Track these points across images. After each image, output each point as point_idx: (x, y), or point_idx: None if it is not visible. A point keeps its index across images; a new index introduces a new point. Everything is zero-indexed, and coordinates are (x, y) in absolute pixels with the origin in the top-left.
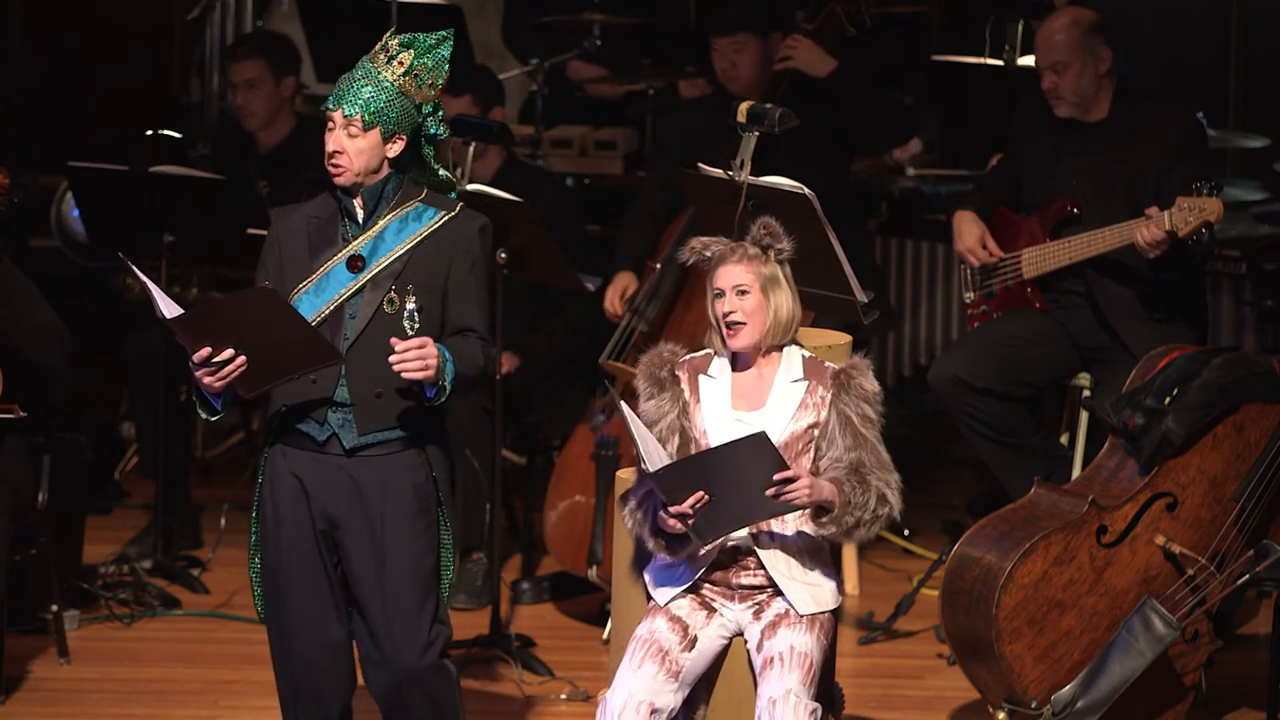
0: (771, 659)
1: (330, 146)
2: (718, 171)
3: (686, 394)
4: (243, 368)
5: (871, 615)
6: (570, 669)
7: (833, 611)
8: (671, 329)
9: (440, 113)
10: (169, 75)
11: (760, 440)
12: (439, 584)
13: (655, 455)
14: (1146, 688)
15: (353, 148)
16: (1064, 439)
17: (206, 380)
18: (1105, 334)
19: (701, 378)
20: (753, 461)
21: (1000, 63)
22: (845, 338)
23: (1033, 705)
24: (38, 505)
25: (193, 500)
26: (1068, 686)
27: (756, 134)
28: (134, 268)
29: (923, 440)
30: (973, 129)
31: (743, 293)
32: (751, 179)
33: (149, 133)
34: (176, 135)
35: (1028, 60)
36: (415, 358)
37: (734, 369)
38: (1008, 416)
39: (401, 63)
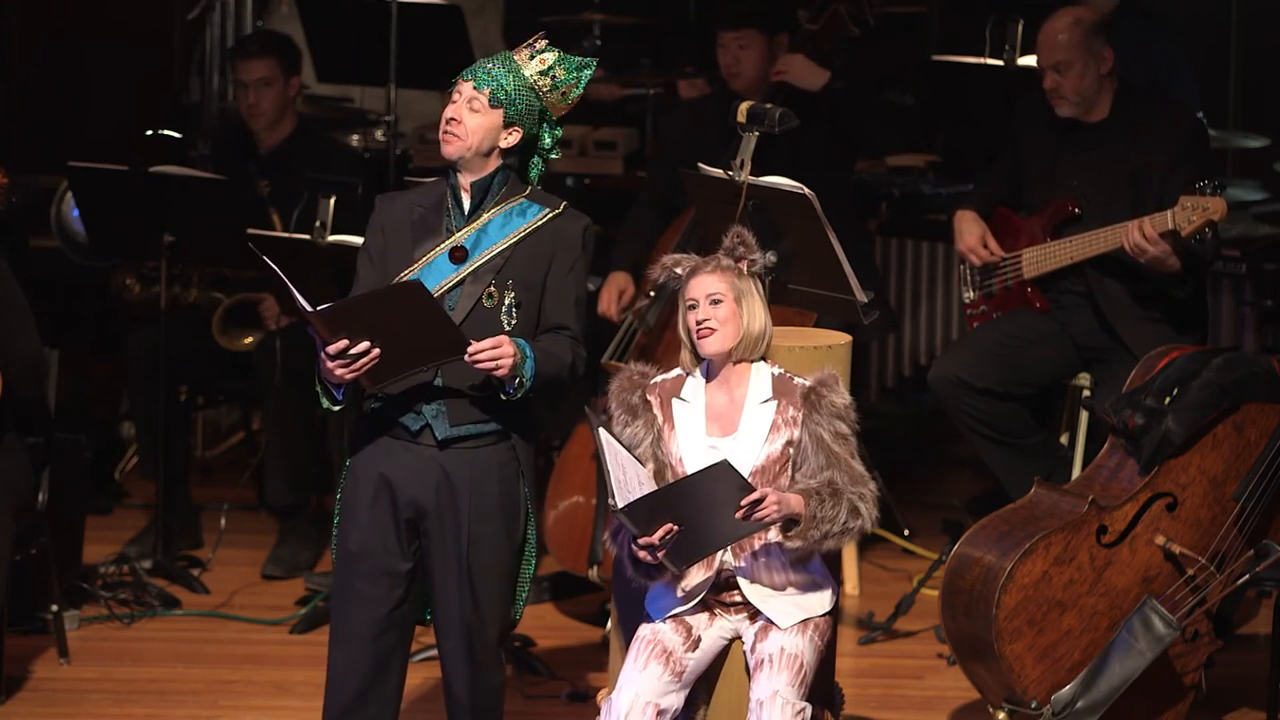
0: (762, 660)
1: (448, 113)
2: (718, 171)
3: (660, 420)
4: (375, 360)
5: (871, 615)
6: (570, 669)
7: (829, 613)
8: (674, 329)
9: (559, 132)
10: (169, 75)
11: (724, 469)
12: (518, 576)
13: (628, 485)
14: (1146, 688)
15: (471, 121)
16: (1064, 439)
17: (339, 373)
18: (1105, 334)
19: (675, 401)
20: (719, 488)
21: (1000, 63)
22: (845, 338)
23: (1033, 705)
24: (38, 505)
25: (193, 500)
26: (1068, 686)
27: (756, 134)
28: (268, 260)
29: (923, 440)
30: (974, 130)
31: (716, 301)
32: (751, 179)
33: (149, 133)
34: (176, 135)
35: (1028, 60)
36: (487, 357)
37: (706, 382)
38: (1008, 417)
39: (544, 61)
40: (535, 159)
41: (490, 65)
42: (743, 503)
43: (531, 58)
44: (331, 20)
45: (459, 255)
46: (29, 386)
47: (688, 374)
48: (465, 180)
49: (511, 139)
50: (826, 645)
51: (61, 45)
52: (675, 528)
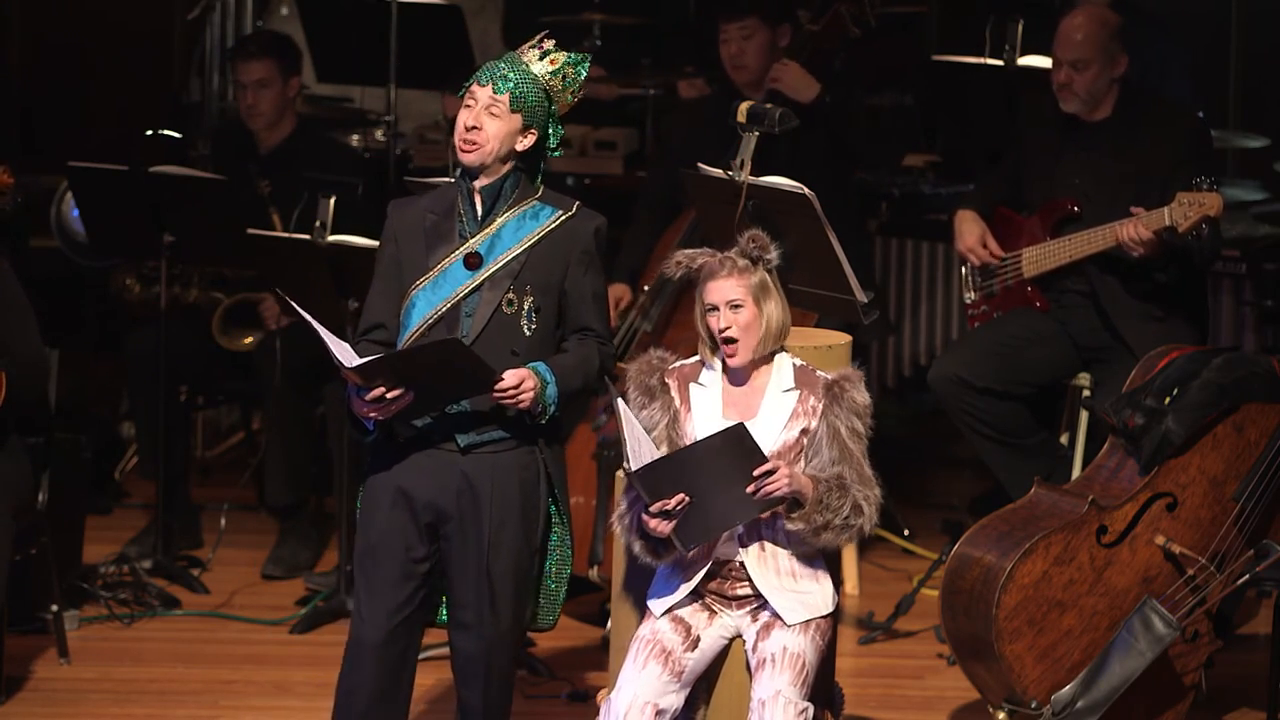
0: (764, 660)
1: (469, 121)
2: (718, 172)
3: (677, 402)
4: (408, 402)
5: (871, 615)
6: (570, 669)
7: (830, 613)
8: (675, 328)
9: (561, 130)
10: (169, 75)
11: (738, 432)
12: (543, 582)
13: (642, 455)
14: (1146, 688)
15: (491, 127)
16: (1064, 439)
17: (372, 414)
18: (1105, 334)
19: (693, 386)
20: (732, 456)
21: (1000, 63)
22: (845, 338)
23: (1033, 705)
24: (38, 505)
25: (193, 500)
26: (1068, 686)
27: (756, 134)
28: (305, 314)
29: (923, 440)
30: (974, 130)
31: (736, 307)
32: (751, 179)
33: (149, 133)
34: (176, 135)
35: (1028, 60)
36: (508, 398)
37: (726, 376)
38: (1008, 416)
39: (554, 61)
40: (539, 160)
41: (504, 68)
42: (755, 473)
43: (541, 58)
44: (331, 20)
45: (474, 261)
46: (29, 386)
47: (706, 364)
48: (477, 185)
49: (528, 142)
50: (827, 645)
51: (61, 45)
52: (687, 499)
